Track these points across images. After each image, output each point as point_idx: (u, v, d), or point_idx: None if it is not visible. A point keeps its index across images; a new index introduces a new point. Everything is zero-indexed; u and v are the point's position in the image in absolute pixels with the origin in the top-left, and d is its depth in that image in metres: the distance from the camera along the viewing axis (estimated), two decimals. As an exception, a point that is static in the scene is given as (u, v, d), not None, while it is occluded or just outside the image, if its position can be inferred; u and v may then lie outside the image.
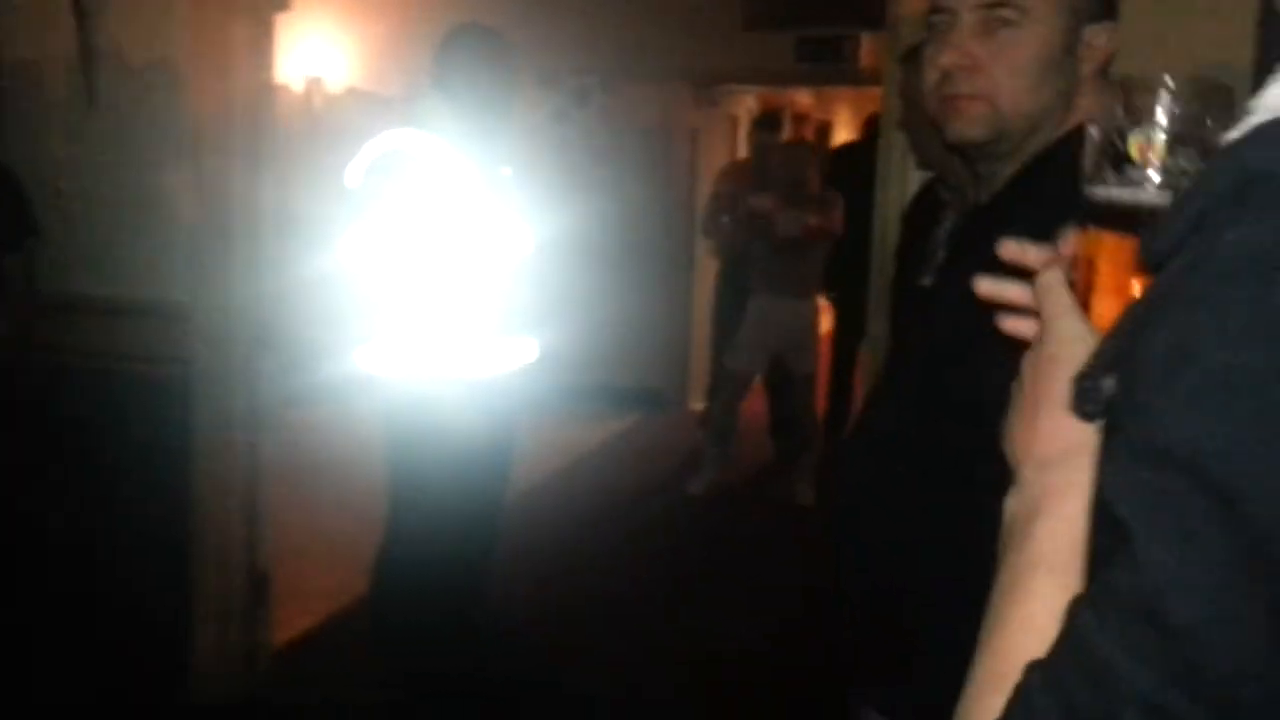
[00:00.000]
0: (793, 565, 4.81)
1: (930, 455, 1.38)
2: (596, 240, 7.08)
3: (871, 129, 6.67)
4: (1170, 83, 0.77)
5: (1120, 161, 0.79)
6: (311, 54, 7.01)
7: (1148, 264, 0.70)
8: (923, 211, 2.44)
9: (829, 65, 7.20)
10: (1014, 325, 0.88)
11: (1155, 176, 0.78)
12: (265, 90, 3.24)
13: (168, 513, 3.22)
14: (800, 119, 10.87)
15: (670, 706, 3.76)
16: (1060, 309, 0.79)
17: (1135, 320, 0.67)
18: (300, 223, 3.46)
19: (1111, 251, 0.79)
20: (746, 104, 8.80)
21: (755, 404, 6.35)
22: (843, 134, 12.59)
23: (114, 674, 3.29)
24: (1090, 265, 0.81)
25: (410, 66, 6.37)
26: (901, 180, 2.68)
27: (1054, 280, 0.80)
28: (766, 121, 6.43)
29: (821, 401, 6.33)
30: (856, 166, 8.29)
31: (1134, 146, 0.78)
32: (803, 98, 10.73)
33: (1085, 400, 0.71)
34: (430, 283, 2.89)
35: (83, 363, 3.29)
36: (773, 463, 6.28)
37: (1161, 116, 0.78)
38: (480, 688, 3.35)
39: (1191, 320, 0.61)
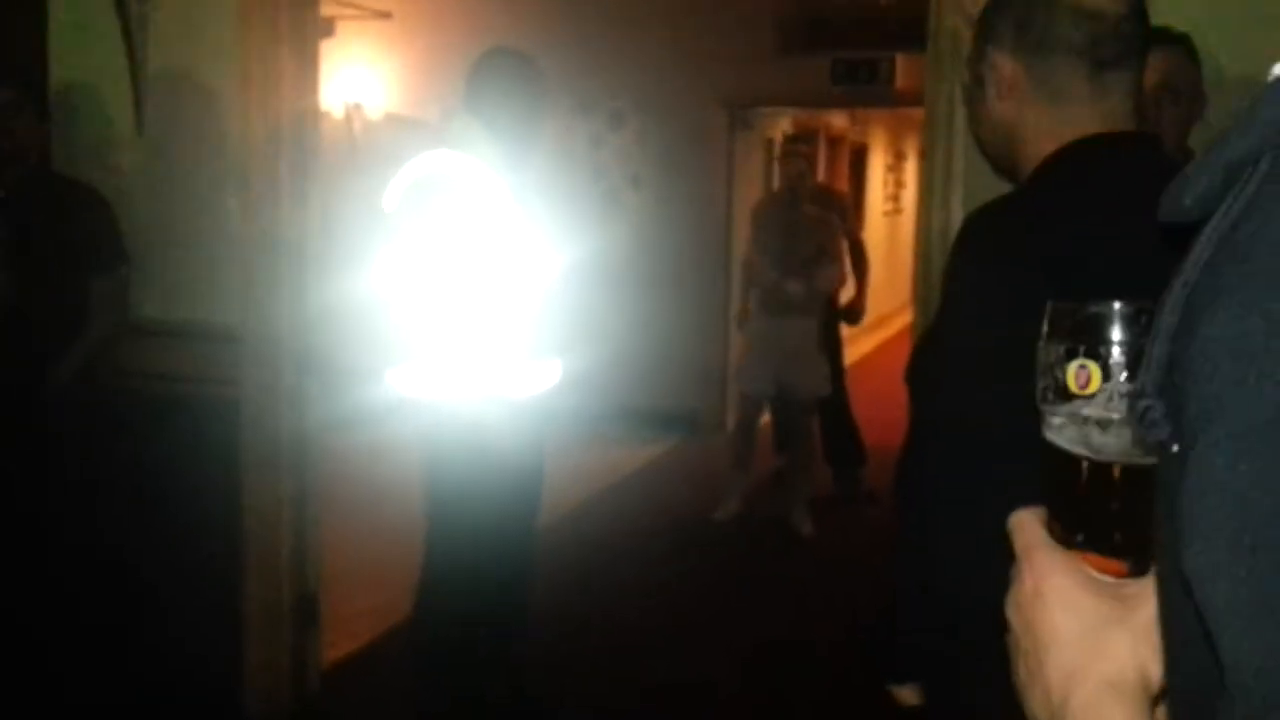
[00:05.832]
0: (787, 602, 4.77)
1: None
2: (633, 263, 7.10)
3: None
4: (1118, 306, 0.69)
5: (1063, 394, 0.71)
6: (352, 80, 7.09)
7: (1176, 221, 0.56)
8: None
9: (865, 87, 7.19)
10: None
11: (1102, 408, 0.69)
12: (310, 116, 3.28)
13: (219, 531, 3.24)
14: (835, 141, 10.88)
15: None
16: (1035, 540, 0.74)
17: (1180, 317, 0.53)
18: (339, 246, 3.49)
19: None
20: (782, 126, 8.81)
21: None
22: (878, 156, 12.59)
23: (165, 692, 3.31)
24: None
25: (446, 91, 6.43)
26: (944, 202, 2.67)
27: (1025, 516, 0.75)
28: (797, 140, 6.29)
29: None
30: None
31: (1071, 377, 0.70)
32: (838, 120, 10.73)
33: (1151, 425, 0.55)
34: (462, 303, 2.90)
35: (134, 383, 3.32)
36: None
37: (1114, 341, 0.69)
38: (518, 709, 3.35)
39: (1243, 326, 0.48)
